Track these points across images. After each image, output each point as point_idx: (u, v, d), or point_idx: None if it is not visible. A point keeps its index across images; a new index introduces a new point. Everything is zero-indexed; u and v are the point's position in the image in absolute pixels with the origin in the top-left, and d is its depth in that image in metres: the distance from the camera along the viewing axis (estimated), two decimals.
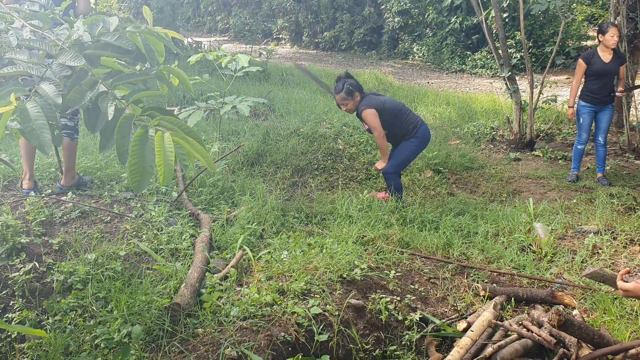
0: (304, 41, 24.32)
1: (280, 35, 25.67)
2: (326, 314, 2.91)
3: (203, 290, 3.19)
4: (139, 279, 3.39)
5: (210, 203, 4.88)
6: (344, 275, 3.30)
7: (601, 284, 2.43)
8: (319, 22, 23.74)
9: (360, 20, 21.87)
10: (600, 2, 16.09)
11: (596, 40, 6.28)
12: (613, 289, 2.36)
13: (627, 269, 2.14)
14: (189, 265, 3.47)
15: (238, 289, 3.18)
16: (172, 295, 3.15)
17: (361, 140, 6.88)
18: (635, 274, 2.10)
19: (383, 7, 20.59)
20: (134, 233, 4.02)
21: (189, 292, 3.10)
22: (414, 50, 19.29)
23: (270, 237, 4.13)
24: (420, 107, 10.03)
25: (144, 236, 3.97)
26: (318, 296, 3.04)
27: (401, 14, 19.63)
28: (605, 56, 6.06)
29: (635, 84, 6.41)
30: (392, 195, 5.16)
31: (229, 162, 5.85)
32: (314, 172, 6.22)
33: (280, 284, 3.12)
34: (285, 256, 3.55)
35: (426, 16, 18.61)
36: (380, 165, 5.31)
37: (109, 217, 4.22)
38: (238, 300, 3.00)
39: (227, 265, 3.55)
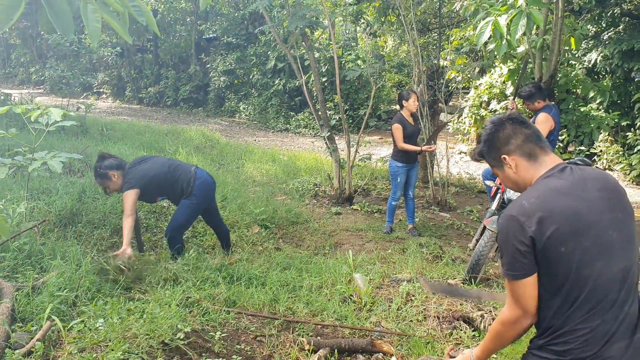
0: (127, 96, 23.62)
1: (102, 89, 24.64)
2: None
3: None
4: None
5: (15, 269, 4.36)
6: (166, 341, 3.13)
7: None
8: (143, 77, 23.28)
9: (186, 78, 21.86)
10: (406, 71, 17.99)
11: (398, 105, 6.90)
12: None
13: (451, 346, 2.31)
14: None
15: None
16: None
17: None
18: (459, 348, 2.28)
19: (209, 66, 20.83)
20: None
21: None
22: (241, 108, 19.69)
23: (85, 304, 3.80)
24: (247, 164, 10.18)
25: None
26: None
27: (227, 73, 20.02)
28: (410, 119, 6.71)
29: (434, 132, 7.14)
30: (174, 258, 4.85)
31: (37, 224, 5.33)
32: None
33: (95, 355, 2.86)
34: (100, 324, 3.27)
35: (251, 77, 19.19)
36: (119, 252, 4.50)
37: None
38: None
39: (32, 338, 3.18)
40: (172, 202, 5.17)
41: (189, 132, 13.27)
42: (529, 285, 1.81)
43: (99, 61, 23.59)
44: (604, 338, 1.77)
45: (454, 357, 2.19)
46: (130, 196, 4.74)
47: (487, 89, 12.97)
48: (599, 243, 1.77)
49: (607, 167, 11.01)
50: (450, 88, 9.91)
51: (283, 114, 18.03)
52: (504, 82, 12.26)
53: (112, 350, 2.92)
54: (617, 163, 10.85)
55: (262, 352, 3.59)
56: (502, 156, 1.97)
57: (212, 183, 5.25)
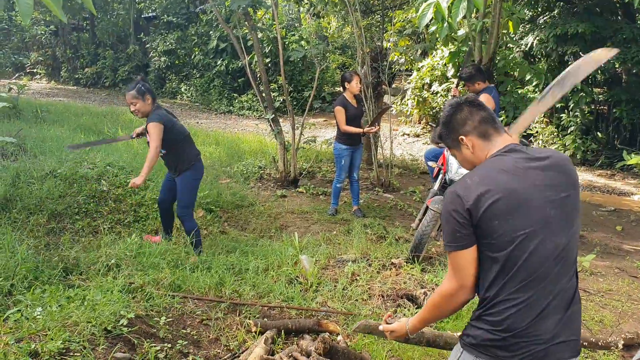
0: (63, 76, 22.71)
1: (35, 70, 23.58)
2: None
3: None
4: None
5: None
6: (109, 328, 3.06)
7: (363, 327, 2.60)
8: (80, 57, 22.41)
9: (124, 58, 21.18)
10: (350, 52, 18.01)
11: (341, 87, 6.91)
12: (381, 337, 2.57)
13: (389, 313, 2.36)
14: None
15: None
16: None
17: (127, 180, 6.56)
18: (396, 316, 2.32)
19: (148, 45, 20.24)
20: None
21: None
22: (182, 90, 19.28)
23: (22, 292, 3.66)
24: None
25: None
26: (78, 354, 2.76)
27: (167, 53, 19.52)
28: (353, 101, 6.72)
29: (377, 115, 7.22)
30: (193, 241, 5.05)
31: None
32: (74, 216, 5.73)
33: (33, 345, 2.76)
34: (39, 313, 3.16)
35: (192, 57, 18.78)
36: (138, 180, 4.86)
37: None
38: None
39: None
40: (170, 163, 5.21)
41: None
42: (468, 258, 1.89)
43: (31, 40, 22.53)
44: (536, 312, 1.86)
45: (391, 324, 2.25)
46: (158, 127, 4.90)
47: (429, 71, 13.18)
48: (536, 220, 1.86)
49: (542, 147, 11.45)
50: (393, 70, 10.01)
51: (226, 95, 17.76)
52: (445, 64, 12.48)
53: (52, 339, 2.83)
54: (552, 144, 11.29)
55: (209, 336, 3.57)
56: (460, 137, 2.06)
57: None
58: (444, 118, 2.13)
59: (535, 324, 1.86)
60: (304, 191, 8.00)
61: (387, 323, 2.27)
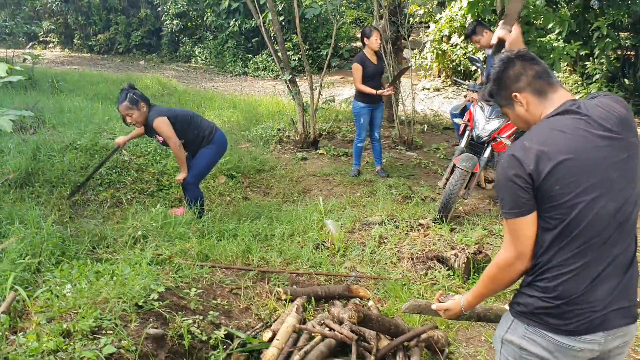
0: (76, 44, 22.58)
1: (48, 38, 23.46)
2: (122, 351, 2.62)
3: None
4: None
5: None
6: (140, 303, 3.02)
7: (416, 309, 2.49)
8: (92, 24, 22.20)
9: (137, 23, 20.94)
10: (365, 6, 17.52)
11: (361, 43, 6.68)
12: (434, 315, 2.48)
13: (440, 292, 2.27)
14: None
15: (12, 338, 2.72)
16: None
17: (149, 150, 6.52)
18: (448, 294, 2.23)
19: (160, 9, 19.94)
20: None
21: None
22: (196, 53, 19.06)
23: (50, 269, 3.64)
24: (208, 112, 9.89)
25: None
26: (111, 332, 2.73)
27: (179, 16, 19.22)
28: (373, 58, 6.50)
29: (396, 76, 7.00)
30: (191, 208, 4.95)
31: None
32: (97, 188, 5.72)
33: (65, 325, 2.73)
34: (68, 290, 3.13)
35: (205, 19, 18.46)
36: (181, 176, 5.01)
37: None
38: (13, 352, 2.56)
39: None
40: (191, 148, 5.14)
41: (144, 80, 12.79)
42: (528, 224, 1.79)
43: (42, 8, 22.30)
44: (591, 277, 1.76)
45: (443, 302, 2.17)
46: (163, 122, 4.80)
47: (447, 22, 12.77)
48: (598, 183, 1.74)
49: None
50: (410, 22, 9.69)
51: (240, 56, 17.50)
52: (464, 15, 12.06)
53: (83, 317, 2.79)
54: (576, 93, 10.95)
55: (239, 305, 3.54)
56: (513, 94, 1.92)
57: (226, 139, 5.36)
58: (494, 74, 1.97)
59: (590, 290, 1.77)
60: (325, 152, 7.89)
61: (440, 301, 2.19)
